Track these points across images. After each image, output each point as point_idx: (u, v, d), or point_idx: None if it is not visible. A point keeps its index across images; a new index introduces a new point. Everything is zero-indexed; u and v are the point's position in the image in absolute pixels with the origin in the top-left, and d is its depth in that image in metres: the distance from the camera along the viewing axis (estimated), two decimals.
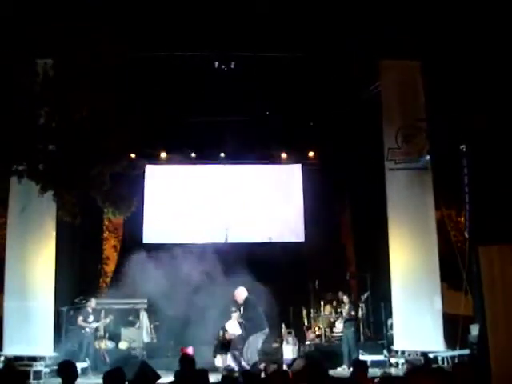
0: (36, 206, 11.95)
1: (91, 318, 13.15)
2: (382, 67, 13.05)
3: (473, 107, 10.98)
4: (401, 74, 12.90)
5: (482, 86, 10.84)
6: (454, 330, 11.78)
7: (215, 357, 12.12)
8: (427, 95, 12.55)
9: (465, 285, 11.99)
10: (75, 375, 6.00)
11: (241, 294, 11.78)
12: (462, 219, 13.57)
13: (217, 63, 13.12)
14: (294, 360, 9.31)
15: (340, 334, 13.84)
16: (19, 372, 7.00)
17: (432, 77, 12.30)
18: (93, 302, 13.32)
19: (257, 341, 11.64)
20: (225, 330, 12.38)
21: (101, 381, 8.27)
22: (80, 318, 13.03)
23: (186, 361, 7.52)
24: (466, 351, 11.53)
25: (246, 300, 11.78)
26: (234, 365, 11.42)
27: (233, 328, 12.38)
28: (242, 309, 12.04)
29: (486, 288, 10.21)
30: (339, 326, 14.01)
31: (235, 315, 12.46)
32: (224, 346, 11.96)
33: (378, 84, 13.36)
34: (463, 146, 12.26)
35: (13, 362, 9.70)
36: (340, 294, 13.86)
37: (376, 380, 6.58)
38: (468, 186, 12.30)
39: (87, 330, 12.97)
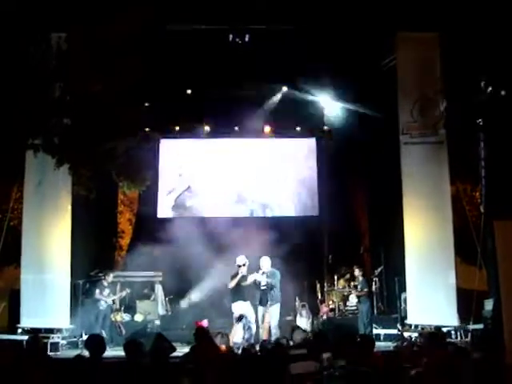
0: (52, 180, 12.03)
1: (107, 292, 13.28)
2: (399, 39, 12.87)
3: (489, 80, 10.88)
4: (417, 46, 12.71)
5: (500, 58, 10.71)
6: (467, 305, 11.77)
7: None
8: (444, 68, 12.39)
9: (479, 259, 11.97)
10: (103, 348, 6.08)
11: (267, 262, 12.03)
12: (478, 194, 13.52)
13: (231, 36, 13.03)
14: (292, 330, 9.30)
15: (353, 308, 13.91)
16: (44, 344, 7.10)
17: (449, 49, 12.15)
18: (110, 276, 13.44)
19: (277, 311, 11.79)
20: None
21: (117, 352, 8.41)
22: (97, 291, 13.18)
23: (201, 333, 7.61)
24: (480, 326, 11.55)
25: (272, 269, 11.99)
26: (247, 336, 11.50)
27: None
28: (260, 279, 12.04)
29: (501, 262, 10.17)
30: (353, 299, 14.05)
31: (256, 275, 12.18)
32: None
33: (393, 57, 13.21)
34: (480, 120, 12.17)
35: (38, 334, 9.80)
36: (354, 268, 13.87)
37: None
38: (484, 160, 12.24)
39: (102, 302, 13.11)
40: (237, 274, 11.94)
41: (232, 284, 11.93)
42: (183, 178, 16.91)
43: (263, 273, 11.98)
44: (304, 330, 9.18)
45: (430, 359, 4.67)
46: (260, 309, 11.95)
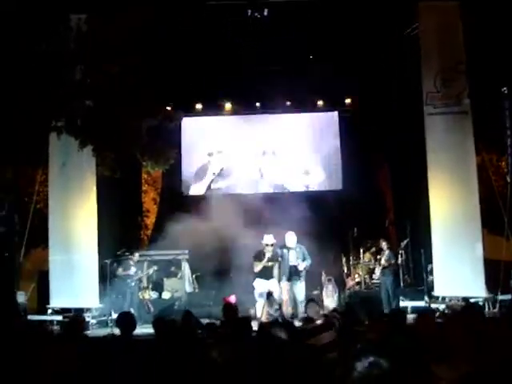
0: (76, 162, 12.12)
1: (133, 270, 13.35)
2: (421, 9, 12.67)
3: None
4: (440, 15, 12.52)
5: None
6: (495, 276, 11.72)
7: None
8: (466, 37, 12.20)
9: (506, 229, 11.88)
10: (133, 326, 6.15)
11: (293, 237, 11.99)
12: (503, 163, 13.37)
13: (250, 11, 12.92)
14: (306, 303, 9.25)
15: (379, 281, 13.87)
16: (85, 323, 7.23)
17: (471, 18, 11.96)
18: (136, 256, 13.52)
19: (303, 287, 11.82)
20: None
21: (145, 330, 8.51)
22: (120, 270, 13.21)
23: (229, 309, 7.66)
24: (508, 296, 11.49)
25: (299, 245, 11.97)
26: (273, 312, 11.50)
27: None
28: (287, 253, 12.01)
29: None
30: (378, 272, 14.03)
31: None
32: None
33: (415, 26, 13.03)
34: (504, 88, 11.98)
35: (80, 314, 9.96)
36: (381, 241, 13.79)
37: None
38: (509, 128, 12.08)
39: (129, 280, 13.17)
40: (261, 253, 11.88)
41: (258, 268, 11.82)
42: (209, 155, 16.88)
43: (289, 249, 11.96)
44: (318, 303, 9.10)
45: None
46: (285, 284, 11.93)
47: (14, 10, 9.08)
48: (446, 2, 12.54)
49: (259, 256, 11.88)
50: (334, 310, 8.97)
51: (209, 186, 16.76)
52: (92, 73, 9.93)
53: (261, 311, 11.45)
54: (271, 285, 11.77)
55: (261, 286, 11.81)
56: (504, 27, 10.95)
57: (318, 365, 4.12)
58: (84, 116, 10.15)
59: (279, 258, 11.92)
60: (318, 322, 6.81)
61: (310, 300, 9.36)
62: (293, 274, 11.87)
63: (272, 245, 11.86)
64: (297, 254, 11.89)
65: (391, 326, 6.03)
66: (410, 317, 11.74)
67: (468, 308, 6.58)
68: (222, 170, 16.79)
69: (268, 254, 11.83)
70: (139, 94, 10.08)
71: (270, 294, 11.51)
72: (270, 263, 11.81)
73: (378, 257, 14.11)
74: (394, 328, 5.88)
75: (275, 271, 11.88)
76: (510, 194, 11.81)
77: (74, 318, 7.17)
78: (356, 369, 2.58)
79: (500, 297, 11.57)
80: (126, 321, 6.12)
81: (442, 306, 11.86)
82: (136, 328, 6.23)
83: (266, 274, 11.84)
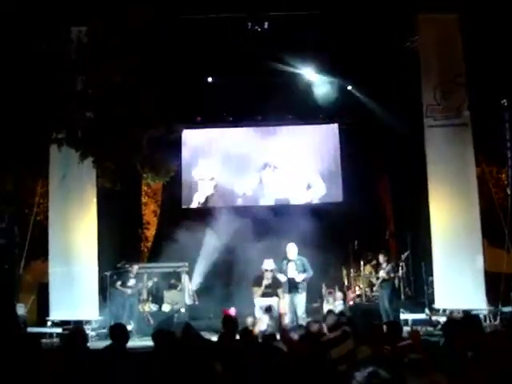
0: (76, 174, 12.13)
1: (132, 282, 13.29)
2: (420, 21, 12.73)
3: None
4: (439, 28, 12.59)
5: None
6: (495, 288, 11.69)
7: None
8: (466, 50, 12.25)
9: (507, 242, 11.86)
10: (126, 337, 6.12)
11: (294, 249, 11.92)
12: (504, 175, 13.37)
13: (250, 24, 12.98)
14: (327, 313, 9.22)
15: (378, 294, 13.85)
16: (86, 335, 7.18)
17: (470, 30, 12.01)
18: (134, 268, 13.46)
19: (304, 300, 11.74)
20: None
21: (145, 343, 8.48)
22: (119, 282, 13.17)
23: (229, 321, 7.63)
24: (509, 308, 11.45)
25: (300, 257, 11.89)
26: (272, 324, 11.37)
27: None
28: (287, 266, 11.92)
29: None
30: (377, 285, 13.98)
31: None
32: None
33: (414, 39, 13.08)
34: (504, 101, 12.01)
35: (80, 326, 9.88)
36: (380, 255, 13.68)
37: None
38: (509, 141, 12.09)
39: (129, 292, 13.10)
40: (260, 278, 11.59)
41: (257, 294, 11.55)
42: (206, 167, 16.90)
43: (289, 261, 11.89)
44: (336, 314, 9.09)
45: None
46: (286, 296, 11.84)
47: (15, 21, 9.11)
48: (445, 15, 12.60)
49: (258, 282, 11.62)
50: (341, 313, 8.97)
51: (208, 199, 16.74)
52: (93, 84, 9.94)
53: (260, 324, 11.35)
54: (272, 301, 11.64)
55: (262, 302, 11.69)
56: (503, 39, 10.99)
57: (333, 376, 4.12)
58: (85, 128, 10.15)
59: (280, 286, 11.66)
60: (334, 333, 6.81)
61: (329, 311, 9.35)
62: (292, 286, 11.81)
63: (272, 270, 11.59)
64: (296, 266, 11.83)
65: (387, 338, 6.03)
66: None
67: (466, 319, 6.55)
68: (222, 182, 16.77)
69: (266, 281, 11.52)
70: (140, 106, 10.10)
71: (269, 308, 11.41)
72: (269, 290, 11.57)
73: (379, 269, 14.09)
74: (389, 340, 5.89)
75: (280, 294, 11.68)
76: (510, 207, 11.80)
77: (75, 329, 7.14)
78: (355, 378, 2.59)
79: (501, 309, 11.53)
80: (119, 332, 6.09)
81: (442, 319, 11.82)
82: (129, 340, 6.21)
83: (266, 295, 11.71)
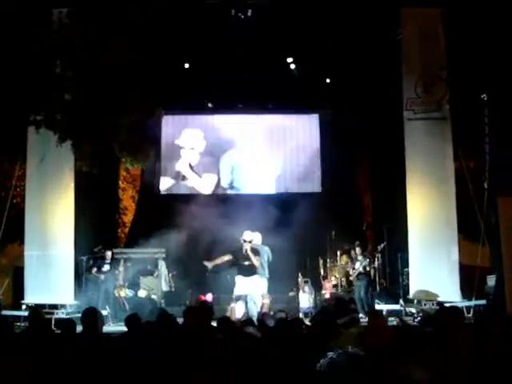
0: (54, 157, 12.01)
1: (106, 268, 13.22)
2: (403, 15, 12.77)
3: (493, 55, 10.77)
4: (421, 22, 12.65)
5: (504, 33, 10.61)
6: (470, 281, 11.81)
7: None
8: (448, 44, 12.31)
9: (482, 236, 11.97)
10: (95, 321, 5.92)
11: (258, 237, 11.86)
12: (481, 169, 13.47)
13: (233, 11, 12.91)
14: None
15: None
16: (45, 319, 7.09)
17: (453, 25, 12.06)
18: (108, 254, 13.38)
19: (264, 285, 11.63)
20: None
21: (121, 328, 8.44)
22: (94, 269, 13.14)
23: (203, 308, 7.60)
24: (483, 301, 11.57)
25: (263, 246, 11.83)
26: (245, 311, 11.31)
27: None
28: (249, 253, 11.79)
29: (504, 239, 10.19)
30: (354, 277, 14.05)
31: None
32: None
33: (397, 32, 13.10)
34: (484, 95, 12.09)
35: (39, 308, 9.80)
36: (355, 247, 13.71)
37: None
38: (488, 136, 12.18)
39: (102, 277, 13.03)
40: (239, 248, 11.67)
41: (222, 260, 11.67)
42: (187, 153, 16.82)
43: (245, 241, 11.60)
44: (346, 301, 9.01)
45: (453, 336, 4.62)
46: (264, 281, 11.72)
47: None
48: (428, 9, 12.65)
49: (234, 251, 11.65)
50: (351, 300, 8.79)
51: (186, 185, 16.69)
52: (72, 66, 9.84)
53: (235, 313, 11.27)
54: (253, 282, 11.51)
55: (241, 285, 11.57)
56: (485, 35, 11.03)
57: None
58: (63, 110, 10.06)
59: (258, 254, 11.49)
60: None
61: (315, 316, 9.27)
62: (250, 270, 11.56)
63: (250, 241, 11.53)
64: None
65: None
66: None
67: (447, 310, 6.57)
68: (200, 169, 16.74)
69: (244, 251, 11.42)
70: (120, 89, 10.02)
71: (239, 298, 11.32)
72: (246, 262, 11.46)
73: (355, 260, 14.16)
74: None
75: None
76: (486, 201, 11.90)
77: (34, 312, 7.03)
78: (327, 356, 2.61)
79: (474, 302, 11.66)
80: (92, 317, 5.98)
81: (414, 310, 11.96)
82: (103, 325, 6.15)
83: (245, 270, 11.61)
